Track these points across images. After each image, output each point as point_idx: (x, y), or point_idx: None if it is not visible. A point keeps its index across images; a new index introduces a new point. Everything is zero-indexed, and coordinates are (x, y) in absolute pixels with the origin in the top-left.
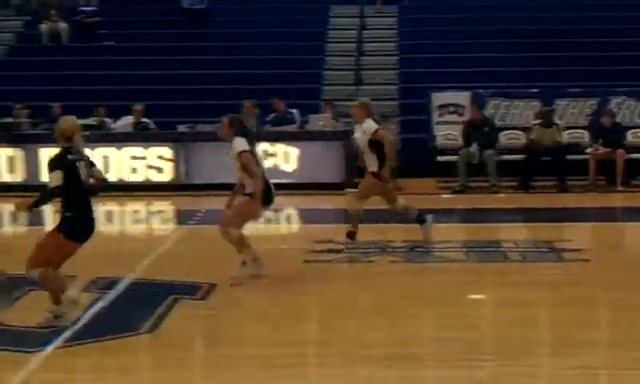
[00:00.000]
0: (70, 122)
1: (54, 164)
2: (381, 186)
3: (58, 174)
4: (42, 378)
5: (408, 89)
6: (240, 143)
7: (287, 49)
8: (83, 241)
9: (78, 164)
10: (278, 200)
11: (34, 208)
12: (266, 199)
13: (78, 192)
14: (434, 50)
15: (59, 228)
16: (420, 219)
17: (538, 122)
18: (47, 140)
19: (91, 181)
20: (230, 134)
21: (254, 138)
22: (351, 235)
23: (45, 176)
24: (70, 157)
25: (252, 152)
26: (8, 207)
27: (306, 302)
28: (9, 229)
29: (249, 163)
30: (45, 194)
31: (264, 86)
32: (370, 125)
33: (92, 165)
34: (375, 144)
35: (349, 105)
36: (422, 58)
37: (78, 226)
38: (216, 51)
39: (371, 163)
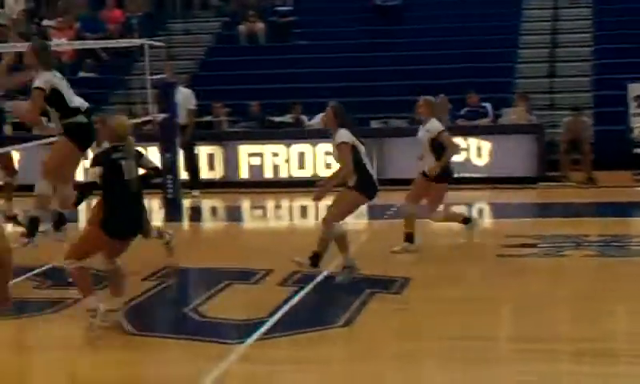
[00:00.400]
0: (121, 120)
1: (95, 160)
2: (428, 187)
3: (97, 171)
4: (242, 369)
5: (603, 80)
6: (343, 135)
7: (480, 43)
8: (122, 237)
9: (121, 162)
10: (470, 194)
11: (76, 205)
12: (370, 192)
13: (119, 189)
14: (631, 40)
15: (100, 223)
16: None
17: None
18: (246, 137)
19: (140, 171)
20: (333, 125)
21: (356, 131)
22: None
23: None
24: (114, 155)
25: (354, 145)
26: (207, 202)
27: (499, 297)
28: None
29: (346, 155)
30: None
31: (456, 80)
32: (433, 124)
33: (140, 156)
34: (436, 145)
35: (542, 97)
36: (618, 48)
37: (116, 222)
38: (409, 47)
39: (427, 163)
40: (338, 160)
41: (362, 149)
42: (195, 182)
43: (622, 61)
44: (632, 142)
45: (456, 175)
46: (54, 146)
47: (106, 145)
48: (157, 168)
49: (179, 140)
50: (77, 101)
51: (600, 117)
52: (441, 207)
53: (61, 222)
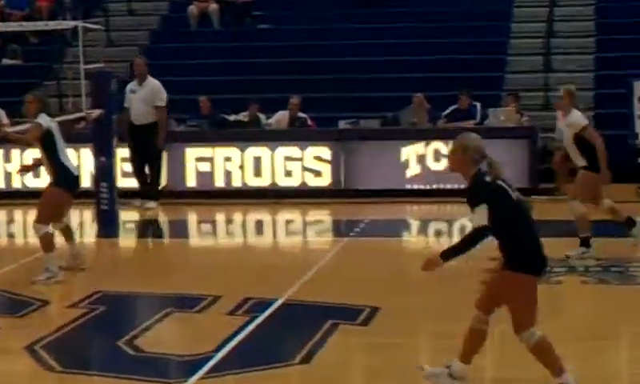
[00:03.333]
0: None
1: None
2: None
3: None
4: None
5: (605, 76)
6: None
7: (466, 31)
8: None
9: None
10: (451, 209)
11: None
12: None
13: None
14: (637, 30)
15: None
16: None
17: None
18: (193, 139)
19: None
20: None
21: None
22: (586, 242)
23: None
24: None
25: None
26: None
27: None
28: None
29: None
30: None
31: (440, 74)
32: (576, 118)
33: None
34: (583, 141)
35: (535, 96)
36: (622, 39)
37: None
38: (386, 35)
39: (579, 160)
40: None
41: None
42: (155, 192)
43: (626, 54)
44: (637, 150)
45: (435, 187)
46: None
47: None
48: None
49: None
50: None
51: (601, 119)
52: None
53: None
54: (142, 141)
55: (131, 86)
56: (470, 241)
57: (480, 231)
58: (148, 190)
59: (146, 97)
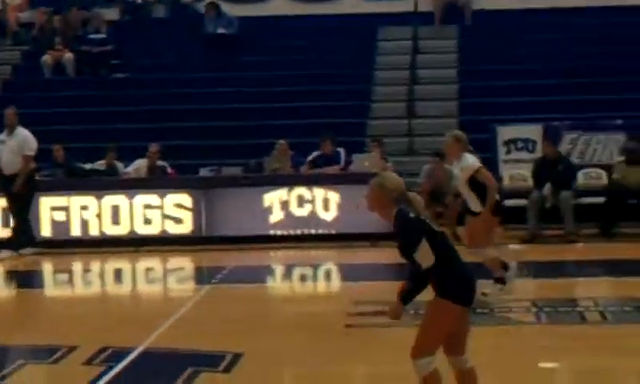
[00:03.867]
0: None
1: None
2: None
3: None
4: None
5: (470, 122)
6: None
7: (330, 78)
8: None
9: None
10: (315, 254)
11: None
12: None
13: None
14: (500, 77)
15: None
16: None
17: (622, 158)
18: (48, 188)
19: None
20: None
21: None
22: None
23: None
24: None
25: None
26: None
27: (350, 375)
28: None
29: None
30: None
31: (303, 121)
32: (468, 160)
33: None
34: (476, 183)
35: (399, 142)
36: (486, 85)
37: None
38: (247, 83)
39: (474, 204)
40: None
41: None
42: (16, 242)
43: (490, 100)
44: (502, 193)
45: (300, 232)
46: None
47: None
48: None
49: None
50: None
51: None
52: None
53: None
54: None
55: (0, 136)
56: (424, 282)
57: (426, 273)
58: (19, 239)
59: (15, 146)
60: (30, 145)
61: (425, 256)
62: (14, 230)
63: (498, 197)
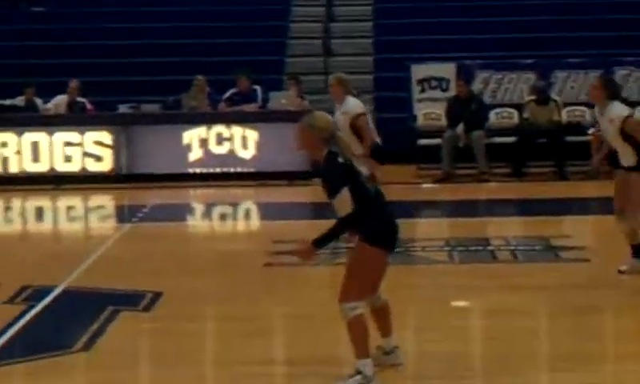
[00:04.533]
0: None
1: None
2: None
3: None
4: None
5: (384, 60)
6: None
7: (246, 14)
8: None
9: None
10: (234, 192)
11: None
12: None
13: None
14: (414, 14)
15: None
16: None
17: (532, 98)
18: None
19: None
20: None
21: None
22: None
23: None
24: None
25: None
26: None
27: (267, 314)
28: None
29: None
30: None
31: (220, 58)
32: (350, 104)
33: None
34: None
35: (316, 80)
36: (400, 23)
37: None
38: (167, 18)
39: (355, 147)
40: None
41: None
42: None
43: (404, 38)
44: (416, 132)
45: (219, 170)
46: None
47: None
48: None
49: None
50: None
51: (381, 102)
52: None
53: None
54: None
55: None
56: (340, 229)
57: (348, 218)
58: None
59: None
60: None
61: (343, 204)
62: None
63: (378, 141)
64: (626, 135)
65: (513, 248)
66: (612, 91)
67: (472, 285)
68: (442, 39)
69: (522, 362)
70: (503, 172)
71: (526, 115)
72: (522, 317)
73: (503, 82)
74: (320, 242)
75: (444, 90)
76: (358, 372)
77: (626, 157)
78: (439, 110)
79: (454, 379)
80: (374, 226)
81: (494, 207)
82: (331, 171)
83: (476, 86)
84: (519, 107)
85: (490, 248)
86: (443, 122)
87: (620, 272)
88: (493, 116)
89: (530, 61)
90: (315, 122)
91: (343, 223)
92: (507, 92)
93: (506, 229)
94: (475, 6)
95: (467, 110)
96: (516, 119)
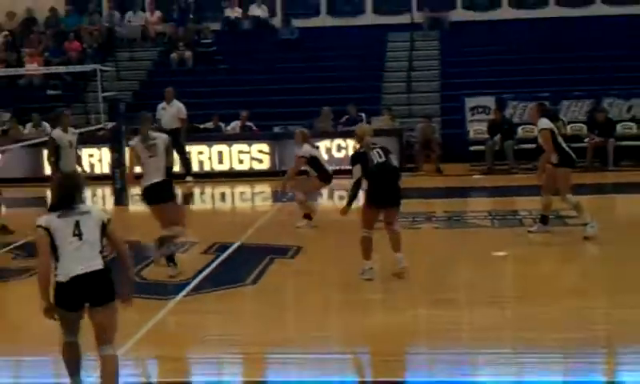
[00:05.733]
0: None
1: None
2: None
3: None
4: (173, 319)
5: (447, 96)
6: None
7: (356, 67)
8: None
9: None
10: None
11: None
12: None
13: None
14: (467, 65)
15: None
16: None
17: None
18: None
19: None
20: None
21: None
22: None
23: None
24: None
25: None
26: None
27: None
28: None
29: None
30: None
31: (338, 96)
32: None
33: None
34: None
35: (402, 109)
36: (457, 71)
37: None
38: (304, 70)
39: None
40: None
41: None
42: (188, 172)
43: (460, 81)
44: (468, 142)
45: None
46: None
47: None
48: None
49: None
50: None
51: (445, 123)
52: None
53: None
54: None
55: (162, 105)
56: (353, 189)
57: (357, 182)
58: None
59: (175, 112)
60: (183, 112)
61: (355, 173)
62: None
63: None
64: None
65: (534, 217)
66: (542, 112)
67: (506, 241)
68: (485, 81)
69: (538, 291)
70: (527, 167)
71: None
72: (537, 262)
73: (527, 108)
74: (348, 203)
75: (487, 114)
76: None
77: (553, 156)
78: (483, 127)
79: (496, 300)
80: (369, 193)
81: (520, 190)
82: (353, 155)
83: (508, 111)
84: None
85: (518, 217)
86: (486, 135)
87: (529, 232)
88: (519, 130)
89: (545, 94)
90: (358, 131)
91: (354, 186)
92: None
93: (529, 204)
94: (504, 60)
95: (501, 127)
96: (535, 132)
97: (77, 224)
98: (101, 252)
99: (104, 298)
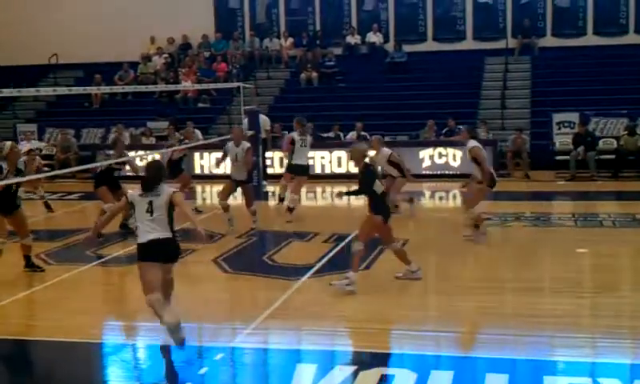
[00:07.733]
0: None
1: None
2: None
3: None
4: (299, 297)
5: (537, 111)
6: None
7: (456, 86)
8: None
9: None
10: (444, 185)
11: None
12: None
13: None
14: (552, 85)
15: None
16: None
17: (625, 132)
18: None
19: None
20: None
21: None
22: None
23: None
24: None
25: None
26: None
27: (476, 252)
28: None
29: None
30: None
31: (440, 111)
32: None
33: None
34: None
35: (496, 122)
36: (545, 90)
37: None
38: (411, 89)
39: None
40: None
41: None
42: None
43: (549, 98)
44: (554, 152)
45: (439, 172)
46: None
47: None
48: None
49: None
50: None
51: (534, 135)
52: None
53: None
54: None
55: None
56: (359, 193)
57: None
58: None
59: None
60: (268, 124)
61: (359, 183)
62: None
63: None
64: (474, 159)
65: (613, 219)
66: (471, 135)
67: (588, 239)
68: (570, 99)
69: (616, 283)
70: (607, 175)
71: (621, 143)
72: (616, 257)
73: (607, 123)
74: (347, 193)
75: (571, 128)
76: (346, 277)
77: (475, 172)
78: (568, 139)
79: (577, 292)
80: (376, 205)
81: (601, 195)
82: (362, 169)
83: (591, 125)
84: (617, 138)
85: (598, 219)
86: (570, 146)
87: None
88: (600, 143)
89: (624, 111)
90: (358, 148)
91: (360, 189)
92: (610, 129)
93: (609, 208)
94: (587, 81)
95: (584, 139)
96: (615, 145)
97: (150, 203)
98: (169, 223)
99: (169, 257)
